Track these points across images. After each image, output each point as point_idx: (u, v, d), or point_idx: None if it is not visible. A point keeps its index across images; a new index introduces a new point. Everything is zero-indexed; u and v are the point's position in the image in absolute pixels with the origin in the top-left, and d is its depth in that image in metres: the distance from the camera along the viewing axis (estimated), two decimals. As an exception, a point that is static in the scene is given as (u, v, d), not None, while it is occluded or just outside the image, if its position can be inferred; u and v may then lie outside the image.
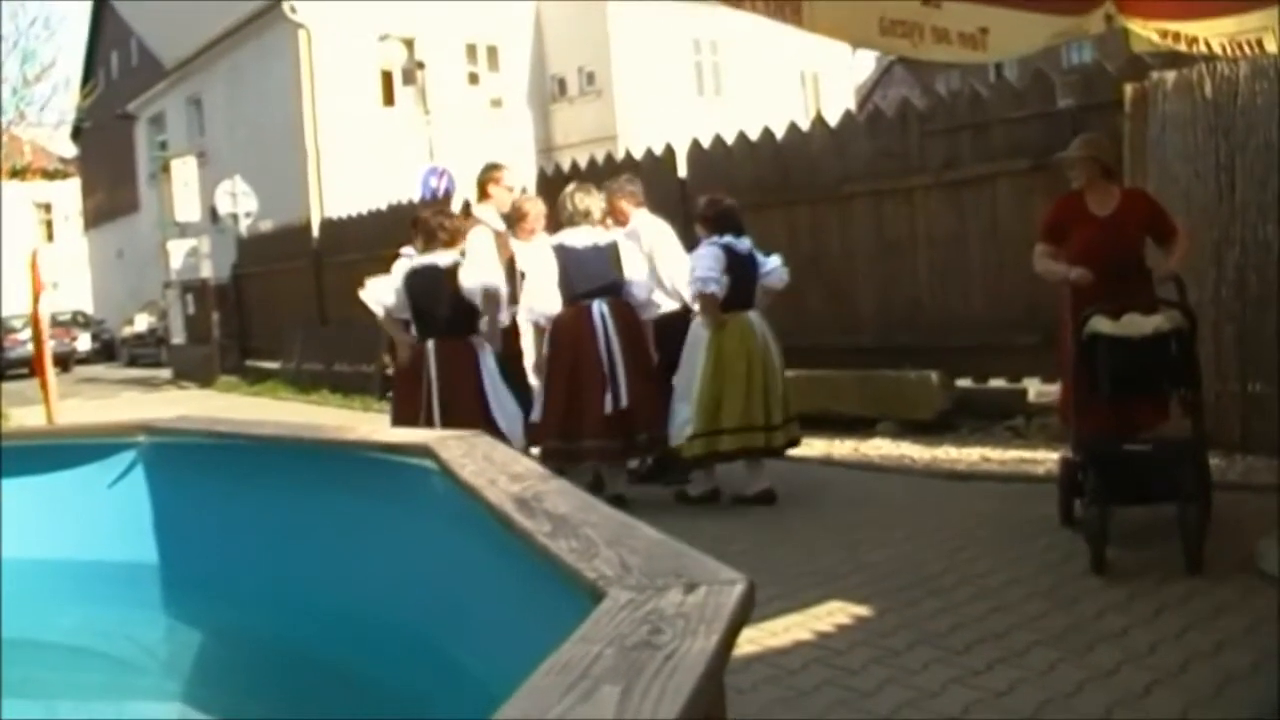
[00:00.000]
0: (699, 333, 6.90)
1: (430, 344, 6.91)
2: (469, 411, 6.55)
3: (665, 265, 7.51)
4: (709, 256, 6.80)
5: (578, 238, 7.11)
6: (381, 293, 7.11)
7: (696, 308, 7.06)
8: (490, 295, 6.91)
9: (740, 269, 6.87)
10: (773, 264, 7.15)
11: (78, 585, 4.25)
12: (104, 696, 3.83)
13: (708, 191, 11.06)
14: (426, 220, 7.19)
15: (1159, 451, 5.25)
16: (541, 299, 7.10)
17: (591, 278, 7.04)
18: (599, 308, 6.99)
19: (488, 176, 8.14)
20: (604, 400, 6.88)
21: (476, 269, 6.96)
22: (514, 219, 7.91)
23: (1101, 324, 5.20)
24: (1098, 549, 4.91)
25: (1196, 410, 5.32)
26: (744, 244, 6.98)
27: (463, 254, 7.08)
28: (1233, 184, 7.17)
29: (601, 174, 10.82)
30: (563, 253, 7.05)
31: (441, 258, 6.94)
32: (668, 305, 7.53)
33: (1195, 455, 5.20)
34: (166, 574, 4.28)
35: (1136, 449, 5.25)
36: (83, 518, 4.35)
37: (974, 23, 6.04)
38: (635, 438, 7.05)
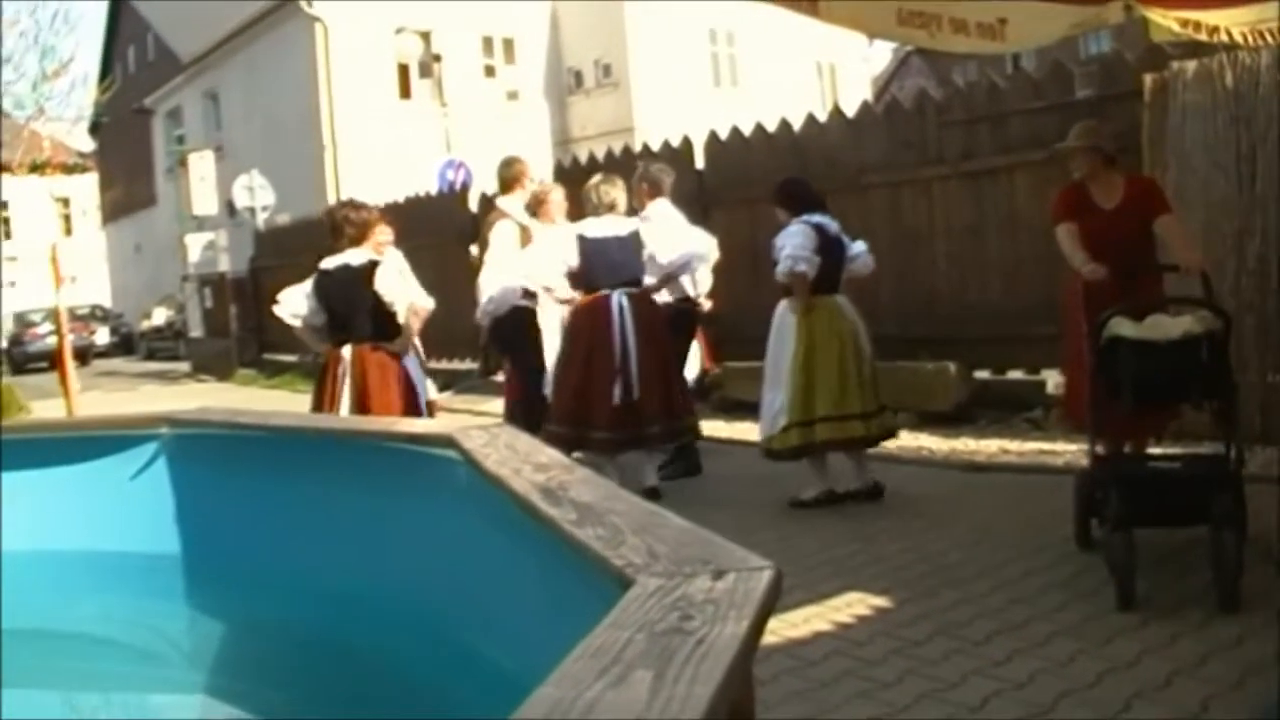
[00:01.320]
0: (786, 318, 6.61)
1: (347, 350, 6.53)
2: None
3: (666, 254, 7.54)
4: (799, 234, 6.48)
5: (599, 228, 7.08)
6: (294, 302, 6.75)
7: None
8: (414, 310, 6.53)
9: (830, 250, 6.59)
10: (858, 249, 6.88)
11: (100, 576, 4.26)
12: (127, 687, 3.85)
13: (725, 183, 11.22)
14: (332, 214, 6.86)
15: (1190, 469, 4.84)
16: (539, 269, 7.08)
17: (613, 269, 7.02)
18: (618, 299, 6.96)
19: (513, 171, 8.17)
20: (614, 391, 6.86)
21: (397, 278, 6.53)
22: (534, 206, 7.97)
23: (1123, 326, 4.72)
24: (1124, 582, 4.42)
25: (1231, 422, 4.81)
26: (833, 225, 6.70)
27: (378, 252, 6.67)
28: (1254, 174, 7.14)
29: (619, 166, 10.82)
30: (584, 243, 7.02)
31: (354, 256, 6.56)
32: (666, 297, 7.56)
33: (1231, 473, 4.69)
34: (189, 565, 4.30)
35: (1163, 467, 4.85)
36: (105, 509, 4.37)
37: (992, 13, 6.03)
38: (647, 429, 6.98)
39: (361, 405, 6.40)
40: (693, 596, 1.44)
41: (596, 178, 7.45)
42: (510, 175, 8.19)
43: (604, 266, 7.01)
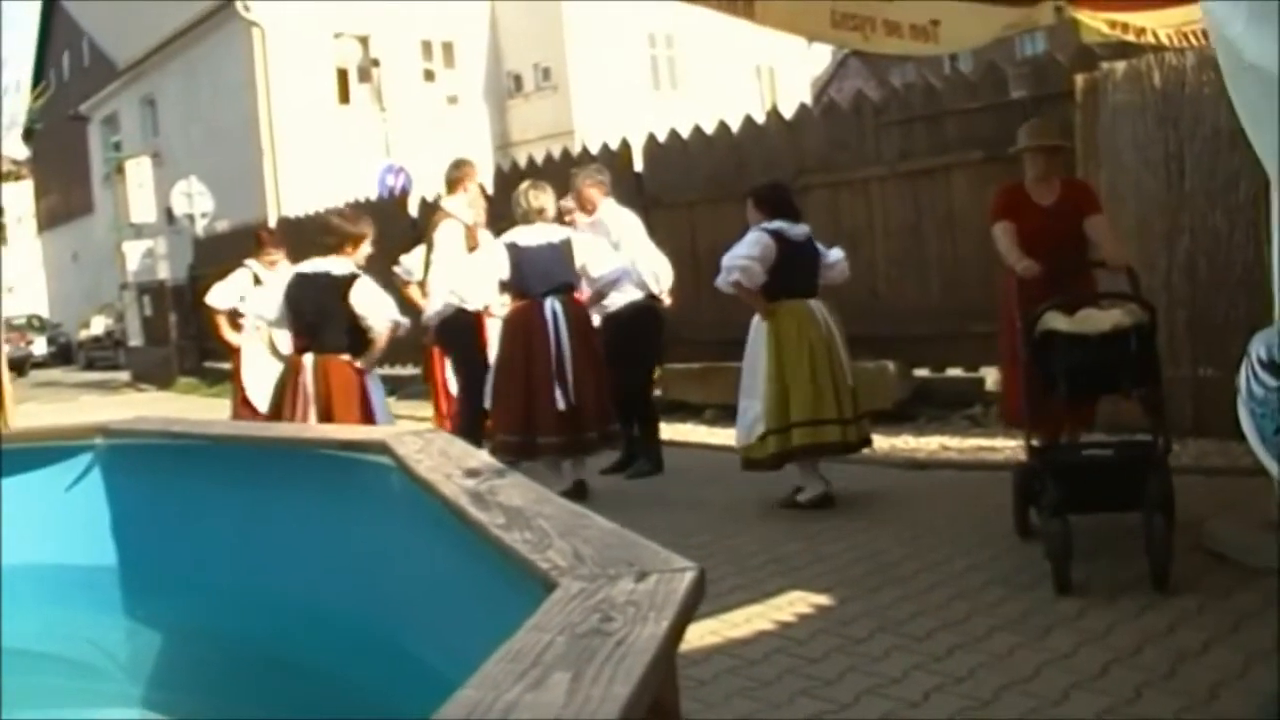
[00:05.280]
0: (759, 326, 6.58)
1: (309, 359, 6.39)
2: None
3: (635, 255, 7.58)
4: (747, 243, 6.48)
5: (531, 236, 7.10)
6: (263, 305, 6.78)
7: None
8: (396, 332, 6.45)
9: (794, 255, 6.53)
10: (834, 257, 6.83)
11: (36, 590, 4.20)
12: (64, 702, 3.80)
13: (664, 186, 11.24)
14: (325, 220, 6.83)
15: (1120, 456, 5.00)
16: (472, 289, 7.11)
17: (545, 276, 7.04)
18: (551, 305, 6.99)
19: (461, 173, 8.20)
20: (556, 396, 6.89)
21: (381, 299, 6.44)
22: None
23: (1056, 320, 4.91)
24: (1061, 568, 4.55)
25: (1158, 410, 5.01)
26: (798, 229, 6.62)
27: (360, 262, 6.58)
28: (1182, 172, 7.26)
29: (558, 170, 10.82)
30: (515, 251, 7.03)
31: (336, 265, 6.41)
32: (631, 295, 7.59)
33: (1159, 459, 4.86)
34: (126, 576, 4.26)
35: (1096, 455, 5.04)
36: (40, 521, 4.31)
37: (925, 15, 6.11)
38: (586, 435, 7.04)
39: (324, 419, 6.28)
40: (615, 598, 1.45)
41: (525, 184, 7.44)
42: (455, 177, 8.21)
43: (536, 273, 7.03)
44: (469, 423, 7.47)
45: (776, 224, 6.55)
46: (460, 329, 7.66)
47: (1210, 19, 1.20)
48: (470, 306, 7.32)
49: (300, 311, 6.45)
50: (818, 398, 6.36)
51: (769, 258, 6.44)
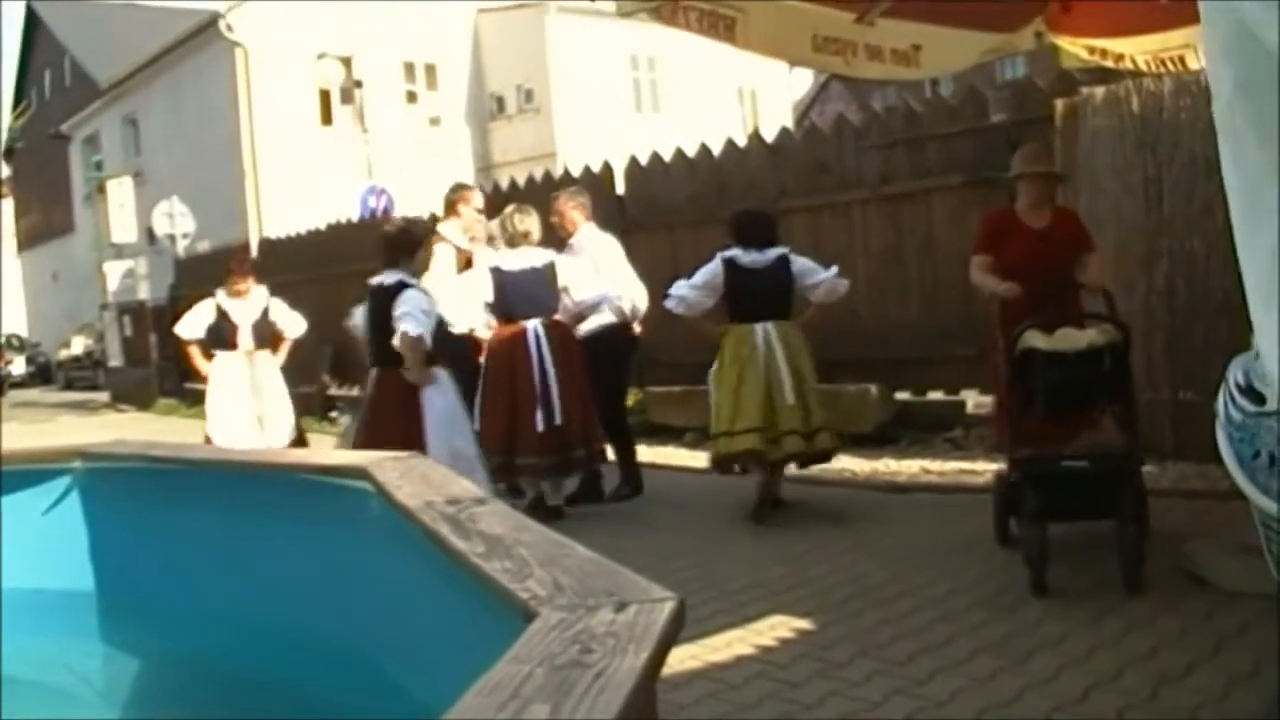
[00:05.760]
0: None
1: (374, 372, 6.56)
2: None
3: (610, 280, 7.58)
4: (699, 272, 6.83)
5: (515, 260, 7.15)
6: (356, 315, 6.94)
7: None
8: (407, 341, 6.21)
9: (745, 282, 6.76)
10: (818, 277, 6.98)
11: (12, 614, 4.17)
12: (41, 729, 3.77)
13: (646, 209, 11.26)
14: (381, 231, 6.92)
15: (1096, 468, 5.14)
16: (461, 314, 7.12)
17: (529, 301, 7.09)
18: (535, 328, 7.03)
19: (458, 196, 8.21)
20: (536, 418, 6.92)
21: (406, 310, 6.28)
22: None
23: (1035, 339, 5.11)
24: (1037, 571, 4.80)
25: (1131, 425, 5.24)
26: (757, 255, 6.80)
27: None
28: (1160, 197, 7.30)
29: (540, 192, 10.83)
30: (499, 275, 7.09)
31: (389, 276, 6.48)
32: (604, 319, 7.59)
33: (1132, 471, 5.07)
34: (104, 601, 4.23)
35: (1074, 465, 5.15)
36: (17, 545, 4.28)
37: (906, 40, 6.14)
38: (573, 454, 7.09)
39: (370, 428, 6.37)
40: (594, 629, 1.45)
41: (510, 208, 7.49)
42: (450, 199, 8.22)
43: (520, 298, 7.09)
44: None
45: (731, 252, 6.81)
46: (457, 355, 7.65)
47: (1228, 27, 1.14)
48: (456, 330, 7.32)
49: (370, 324, 6.59)
50: (736, 410, 6.63)
51: (715, 285, 6.79)
